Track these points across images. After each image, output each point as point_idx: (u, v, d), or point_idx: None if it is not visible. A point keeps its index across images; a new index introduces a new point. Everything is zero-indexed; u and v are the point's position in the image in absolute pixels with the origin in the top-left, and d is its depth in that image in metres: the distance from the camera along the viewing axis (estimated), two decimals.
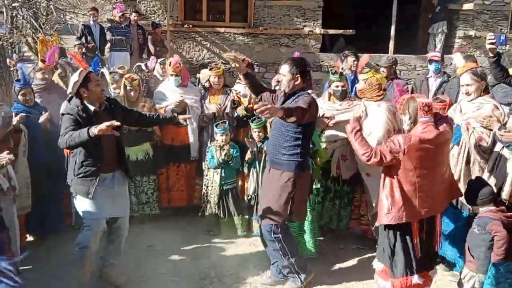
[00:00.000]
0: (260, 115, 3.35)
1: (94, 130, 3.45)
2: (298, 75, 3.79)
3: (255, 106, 3.25)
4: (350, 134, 3.53)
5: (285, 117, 3.43)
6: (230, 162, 4.97)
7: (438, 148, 3.33)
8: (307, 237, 4.57)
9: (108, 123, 3.44)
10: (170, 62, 5.56)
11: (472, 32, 10.46)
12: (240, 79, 5.37)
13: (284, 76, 3.82)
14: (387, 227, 3.47)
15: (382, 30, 11.72)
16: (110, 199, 3.91)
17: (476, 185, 3.63)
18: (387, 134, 4.29)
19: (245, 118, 5.30)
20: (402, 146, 3.28)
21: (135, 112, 4.35)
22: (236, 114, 5.40)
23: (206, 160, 5.14)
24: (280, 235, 3.89)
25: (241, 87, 5.46)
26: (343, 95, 4.69)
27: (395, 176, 3.36)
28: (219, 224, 5.16)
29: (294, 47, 10.53)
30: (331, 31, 10.66)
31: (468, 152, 3.97)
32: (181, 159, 5.50)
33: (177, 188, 5.55)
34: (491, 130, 3.84)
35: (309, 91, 4.81)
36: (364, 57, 4.67)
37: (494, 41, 4.23)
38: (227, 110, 5.43)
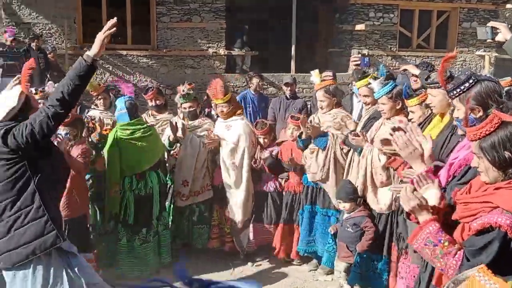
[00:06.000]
0: None
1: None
2: None
3: None
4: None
5: None
6: None
7: None
8: None
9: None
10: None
11: (365, 51, 11.22)
12: (95, 105, 5.37)
13: None
14: None
15: (284, 49, 12.19)
16: None
17: (345, 185, 4.11)
18: (251, 145, 4.79)
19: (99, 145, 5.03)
20: None
21: None
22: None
23: None
24: None
25: (96, 112, 5.28)
26: (192, 115, 5.01)
27: None
28: None
29: (199, 68, 10.60)
30: (235, 52, 10.88)
31: (335, 155, 4.34)
32: None
33: None
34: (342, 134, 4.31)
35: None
36: (216, 82, 4.94)
37: (358, 62, 4.62)
38: None
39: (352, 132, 4.09)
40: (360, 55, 4.78)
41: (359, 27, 11.11)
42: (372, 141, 3.91)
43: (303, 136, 4.44)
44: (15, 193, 2.74)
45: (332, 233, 4.40)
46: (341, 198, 4.14)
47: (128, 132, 4.46)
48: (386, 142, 3.33)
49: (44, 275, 2.76)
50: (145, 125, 4.60)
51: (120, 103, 4.55)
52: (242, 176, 4.77)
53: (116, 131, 4.52)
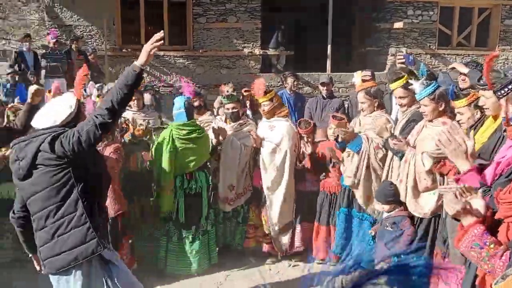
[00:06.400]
0: None
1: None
2: None
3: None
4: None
5: None
6: None
7: None
8: None
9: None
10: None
11: (403, 49, 10.99)
12: (129, 105, 5.34)
13: None
14: None
15: (319, 49, 12.10)
16: None
17: (386, 187, 4.04)
18: (293, 147, 4.75)
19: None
20: None
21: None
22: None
23: None
24: None
25: (129, 113, 5.31)
26: (235, 116, 4.98)
27: None
28: None
29: (234, 68, 10.65)
30: (270, 52, 10.88)
31: (368, 159, 4.30)
32: None
33: None
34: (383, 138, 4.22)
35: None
36: (259, 82, 4.98)
37: (403, 60, 4.50)
38: None
39: (393, 137, 4.00)
40: (404, 53, 4.65)
41: (397, 25, 10.91)
42: (414, 145, 3.80)
43: (339, 139, 4.40)
44: (60, 200, 2.77)
45: (372, 234, 4.34)
46: (380, 200, 4.09)
47: (184, 132, 4.54)
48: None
49: (85, 283, 2.81)
50: (199, 127, 4.69)
51: (179, 102, 4.60)
52: (282, 179, 4.74)
53: (171, 130, 4.59)
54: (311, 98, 7.14)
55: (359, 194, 4.44)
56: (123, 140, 4.82)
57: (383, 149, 4.25)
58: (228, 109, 4.99)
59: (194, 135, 4.57)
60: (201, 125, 5.01)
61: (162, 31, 2.87)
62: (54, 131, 2.77)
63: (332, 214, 4.75)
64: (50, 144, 2.70)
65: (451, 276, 3.36)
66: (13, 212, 3.01)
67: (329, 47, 10.73)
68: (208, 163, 4.92)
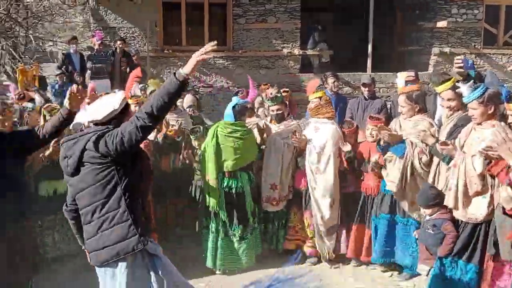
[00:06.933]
0: None
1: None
2: None
3: None
4: None
5: None
6: None
7: None
8: None
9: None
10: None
11: (447, 49, 10.73)
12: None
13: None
14: None
15: (359, 48, 11.96)
16: None
17: (427, 190, 4.02)
18: (338, 150, 4.70)
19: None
20: None
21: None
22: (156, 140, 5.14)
23: None
24: None
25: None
26: (280, 118, 4.99)
27: None
28: None
29: (274, 69, 10.67)
30: (310, 52, 10.83)
31: (412, 164, 4.25)
32: None
33: None
34: (427, 144, 4.13)
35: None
36: (315, 81, 5.10)
37: (462, 64, 4.37)
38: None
39: (441, 141, 3.90)
40: (463, 57, 4.51)
41: (441, 24, 10.65)
42: (462, 149, 3.70)
43: (381, 143, 4.34)
44: (104, 197, 2.86)
45: (416, 237, 4.29)
46: (422, 204, 4.04)
47: (228, 130, 4.64)
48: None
49: (129, 276, 2.88)
50: (245, 128, 4.75)
51: (232, 103, 4.70)
52: (326, 182, 4.71)
53: (217, 126, 4.71)
54: (353, 99, 7.06)
55: (404, 200, 4.38)
56: (156, 140, 4.91)
57: (427, 154, 4.17)
58: (273, 110, 5.01)
59: (237, 134, 4.63)
60: (249, 126, 5.02)
61: (215, 41, 2.82)
62: (100, 130, 2.86)
63: (368, 216, 4.71)
64: (94, 143, 2.79)
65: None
66: (66, 205, 3.13)
67: (369, 46, 10.58)
68: (252, 164, 4.93)
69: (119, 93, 3.09)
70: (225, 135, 4.63)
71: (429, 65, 10.80)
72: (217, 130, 4.66)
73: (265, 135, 4.89)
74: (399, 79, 4.69)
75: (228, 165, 4.64)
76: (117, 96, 3.00)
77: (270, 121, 5.13)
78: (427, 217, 4.05)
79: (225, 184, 4.67)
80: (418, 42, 11.35)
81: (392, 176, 4.34)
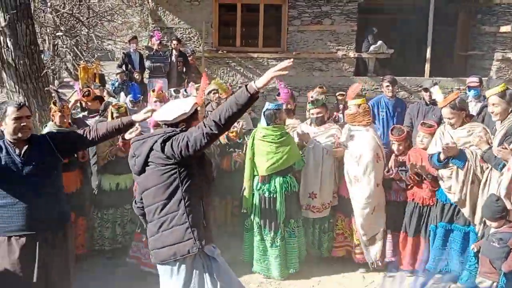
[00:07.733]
0: None
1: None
2: None
3: None
4: None
5: None
6: None
7: None
8: None
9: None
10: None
11: (510, 55, 10.28)
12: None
13: None
14: None
15: (416, 52, 11.66)
16: None
17: (492, 203, 3.87)
18: (375, 158, 4.58)
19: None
20: None
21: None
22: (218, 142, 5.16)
23: None
24: None
25: None
26: (320, 121, 4.94)
27: None
28: None
29: (327, 71, 10.57)
30: (365, 55, 10.65)
31: (473, 174, 4.17)
32: None
33: None
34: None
35: None
36: (356, 86, 4.97)
37: None
38: None
39: (502, 146, 3.79)
40: None
41: (504, 28, 10.21)
42: None
43: (442, 158, 4.22)
44: (166, 198, 2.94)
45: (475, 251, 4.12)
46: (487, 217, 3.91)
47: (261, 134, 4.63)
48: None
49: (187, 276, 2.95)
50: (279, 133, 4.65)
51: (264, 108, 4.71)
52: (364, 191, 4.58)
53: (256, 129, 4.76)
54: (412, 104, 6.87)
55: (466, 209, 4.27)
56: (218, 142, 4.98)
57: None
58: (313, 114, 4.95)
59: (269, 138, 4.59)
60: (287, 129, 4.96)
61: (292, 59, 2.81)
62: (168, 132, 2.94)
63: (424, 226, 4.57)
64: (161, 144, 2.88)
65: None
66: (135, 202, 3.26)
67: (428, 50, 10.29)
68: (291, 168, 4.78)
69: (191, 99, 3.20)
70: (259, 139, 4.62)
71: (490, 70, 10.38)
72: (254, 134, 4.70)
73: (304, 142, 4.81)
74: (437, 94, 4.52)
75: (261, 168, 4.62)
76: (189, 101, 3.10)
77: (310, 124, 5.07)
78: (492, 230, 3.91)
79: (258, 187, 4.65)
80: (480, 47, 10.93)
81: (454, 187, 4.25)
